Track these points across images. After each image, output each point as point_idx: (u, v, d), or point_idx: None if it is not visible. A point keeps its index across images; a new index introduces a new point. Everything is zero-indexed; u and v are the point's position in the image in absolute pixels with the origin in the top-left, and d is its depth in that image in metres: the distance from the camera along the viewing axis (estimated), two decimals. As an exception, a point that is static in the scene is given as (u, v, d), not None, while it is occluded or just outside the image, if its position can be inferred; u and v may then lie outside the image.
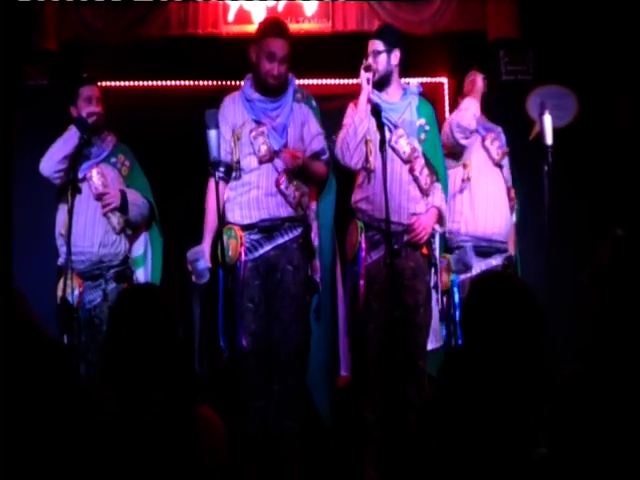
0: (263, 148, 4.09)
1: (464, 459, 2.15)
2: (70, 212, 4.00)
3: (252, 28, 4.71)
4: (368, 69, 4.14)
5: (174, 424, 2.25)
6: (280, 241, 4.10)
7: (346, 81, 5.51)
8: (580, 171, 5.17)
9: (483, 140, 4.55)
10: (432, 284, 4.23)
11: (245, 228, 4.08)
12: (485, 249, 4.47)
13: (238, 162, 4.10)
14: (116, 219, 4.39)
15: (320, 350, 4.23)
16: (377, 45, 4.22)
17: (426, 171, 4.20)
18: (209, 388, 4.77)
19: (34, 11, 5.19)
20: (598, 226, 4.65)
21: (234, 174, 4.12)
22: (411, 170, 4.17)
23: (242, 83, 4.28)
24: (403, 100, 4.26)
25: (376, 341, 4.02)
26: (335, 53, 5.30)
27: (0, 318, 2.28)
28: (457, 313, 4.38)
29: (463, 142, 4.45)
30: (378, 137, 3.80)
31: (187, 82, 5.75)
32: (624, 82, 5.22)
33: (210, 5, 5.42)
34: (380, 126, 3.80)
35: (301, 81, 4.52)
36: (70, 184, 4.09)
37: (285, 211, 4.10)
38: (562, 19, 5.26)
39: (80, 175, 4.26)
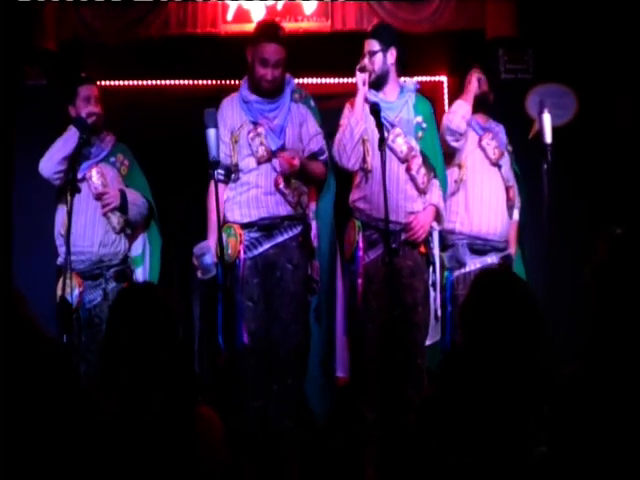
0: (261, 149, 4.09)
1: (464, 459, 2.15)
2: (69, 212, 3.99)
3: (251, 27, 4.69)
4: (363, 70, 4.14)
5: (174, 424, 2.25)
6: (279, 239, 4.10)
7: (345, 80, 5.49)
8: (580, 169, 5.15)
9: (480, 140, 4.51)
10: (430, 282, 4.23)
11: (245, 226, 4.08)
12: (480, 247, 4.45)
13: (237, 164, 4.11)
14: (116, 219, 4.39)
15: (317, 350, 4.21)
16: (373, 45, 4.20)
17: (423, 170, 4.19)
18: (209, 388, 4.76)
19: (34, 11, 5.18)
20: (598, 224, 4.64)
21: (233, 176, 4.13)
22: (408, 169, 4.16)
23: (241, 82, 4.28)
24: (400, 98, 4.25)
25: (375, 340, 4.02)
26: (334, 52, 5.29)
27: (0, 318, 2.28)
28: (448, 308, 4.35)
29: (454, 144, 4.40)
30: (376, 136, 3.77)
31: (186, 81, 5.74)
32: (624, 82, 5.21)
33: (209, 4, 5.41)
34: (379, 125, 3.78)
35: (300, 80, 4.51)
36: (69, 184, 4.09)
37: (284, 209, 4.10)
38: (561, 17, 5.25)
39: (79, 175, 4.26)
